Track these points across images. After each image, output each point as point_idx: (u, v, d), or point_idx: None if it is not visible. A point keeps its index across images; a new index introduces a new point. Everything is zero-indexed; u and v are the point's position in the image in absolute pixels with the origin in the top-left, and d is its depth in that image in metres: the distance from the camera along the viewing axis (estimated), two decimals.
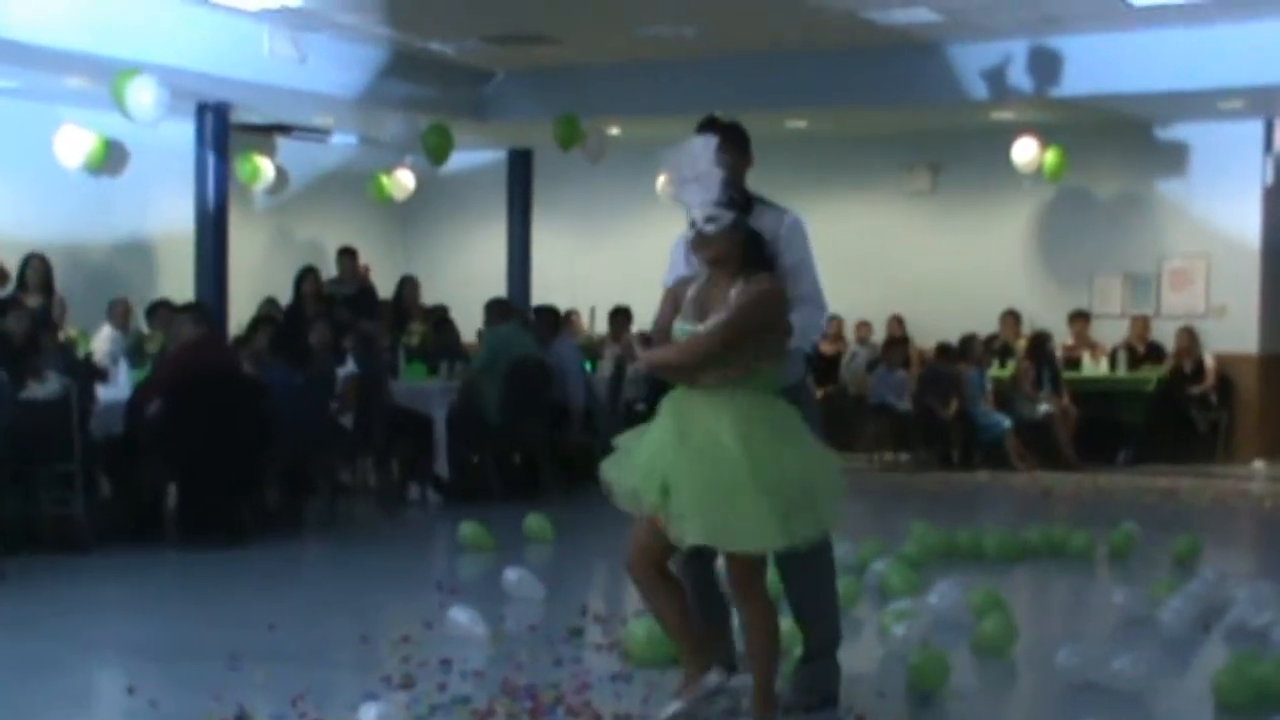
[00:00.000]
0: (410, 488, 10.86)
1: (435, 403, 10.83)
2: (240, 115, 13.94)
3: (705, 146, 4.51)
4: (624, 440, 4.56)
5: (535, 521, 8.96)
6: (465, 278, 16.92)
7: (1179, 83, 12.41)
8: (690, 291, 4.52)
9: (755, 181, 4.90)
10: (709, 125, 4.82)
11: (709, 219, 4.44)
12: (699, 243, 4.46)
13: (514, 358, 10.80)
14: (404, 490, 10.84)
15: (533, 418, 10.89)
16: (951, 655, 5.69)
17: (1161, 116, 14.31)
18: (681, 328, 4.46)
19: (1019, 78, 13.00)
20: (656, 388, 4.79)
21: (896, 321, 15.17)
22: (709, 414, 4.34)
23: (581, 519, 9.91)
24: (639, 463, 4.38)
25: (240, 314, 12.66)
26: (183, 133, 13.07)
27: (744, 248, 4.47)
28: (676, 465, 4.30)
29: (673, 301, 4.55)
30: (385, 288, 14.16)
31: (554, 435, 11.17)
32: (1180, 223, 14.58)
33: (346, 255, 13.14)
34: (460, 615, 6.13)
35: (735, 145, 4.83)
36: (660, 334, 4.51)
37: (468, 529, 8.71)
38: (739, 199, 4.54)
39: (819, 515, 4.36)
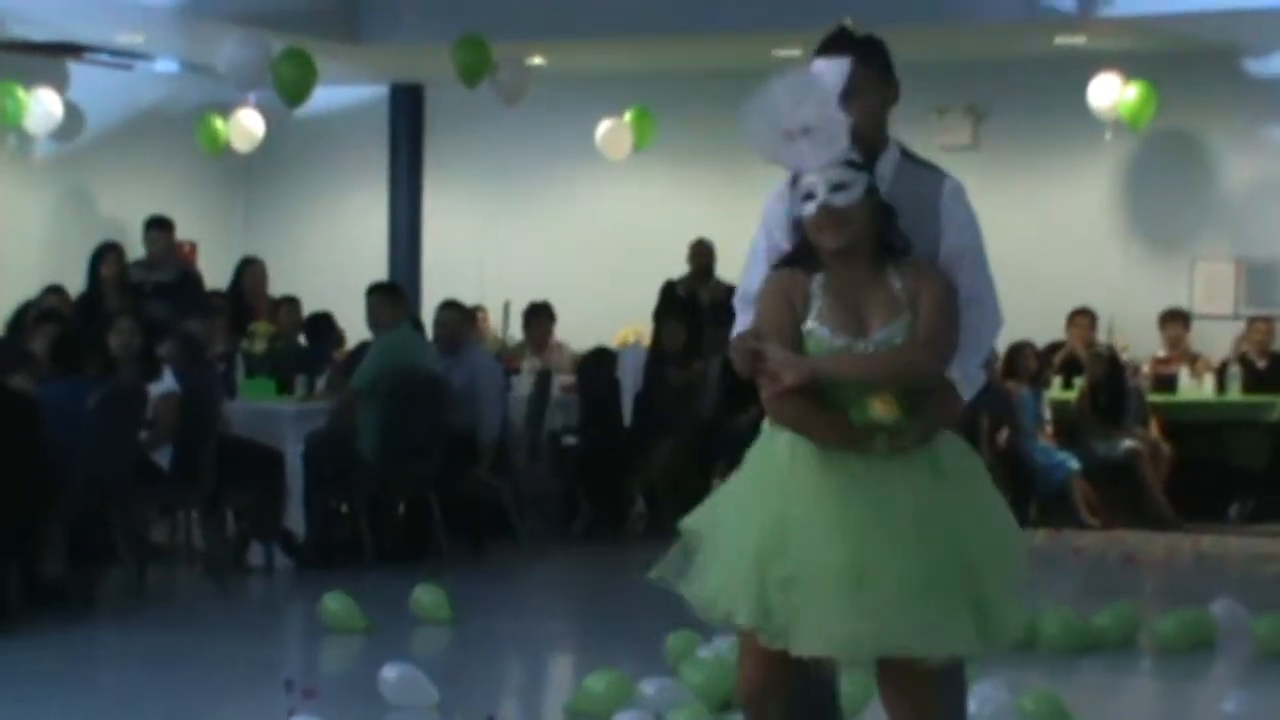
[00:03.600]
0: (252, 549, 10.78)
1: (289, 432, 10.76)
2: (11, 29, 13.78)
3: (826, 77, 4.38)
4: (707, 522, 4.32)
5: (426, 595, 8.90)
6: (330, 260, 16.79)
7: None
8: (815, 290, 4.30)
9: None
10: (837, 42, 4.63)
11: (837, 187, 4.27)
12: (830, 223, 4.27)
13: (401, 373, 10.75)
14: (242, 553, 10.76)
15: (423, 453, 10.84)
16: None
17: None
18: (830, 342, 4.25)
19: None
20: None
21: None
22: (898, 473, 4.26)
23: (488, 591, 9.81)
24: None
25: (7, 305, 12.50)
26: None
27: (881, 224, 4.35)
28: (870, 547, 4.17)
29: (788, 300, 4.31)
30: (218, 273, 14.02)
31: (453, 477, 11.12)
32: None
33: (158, 228, 13.01)
34: None
35: (875, 72, 4.66)
36: (780, 341, 4.31)
37: (332, 605, 8.63)
38: (859, 155, 4.39)
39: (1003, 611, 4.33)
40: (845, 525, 4.18)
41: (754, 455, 4.38)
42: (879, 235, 4.33)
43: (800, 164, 4.31)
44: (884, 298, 4.28)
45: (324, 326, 12.71)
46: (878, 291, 4.29)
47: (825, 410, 4.23)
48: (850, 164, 4.29)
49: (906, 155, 4.73)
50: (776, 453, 4.31)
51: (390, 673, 6.96)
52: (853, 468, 4.23)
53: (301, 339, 12.95)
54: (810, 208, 4.29)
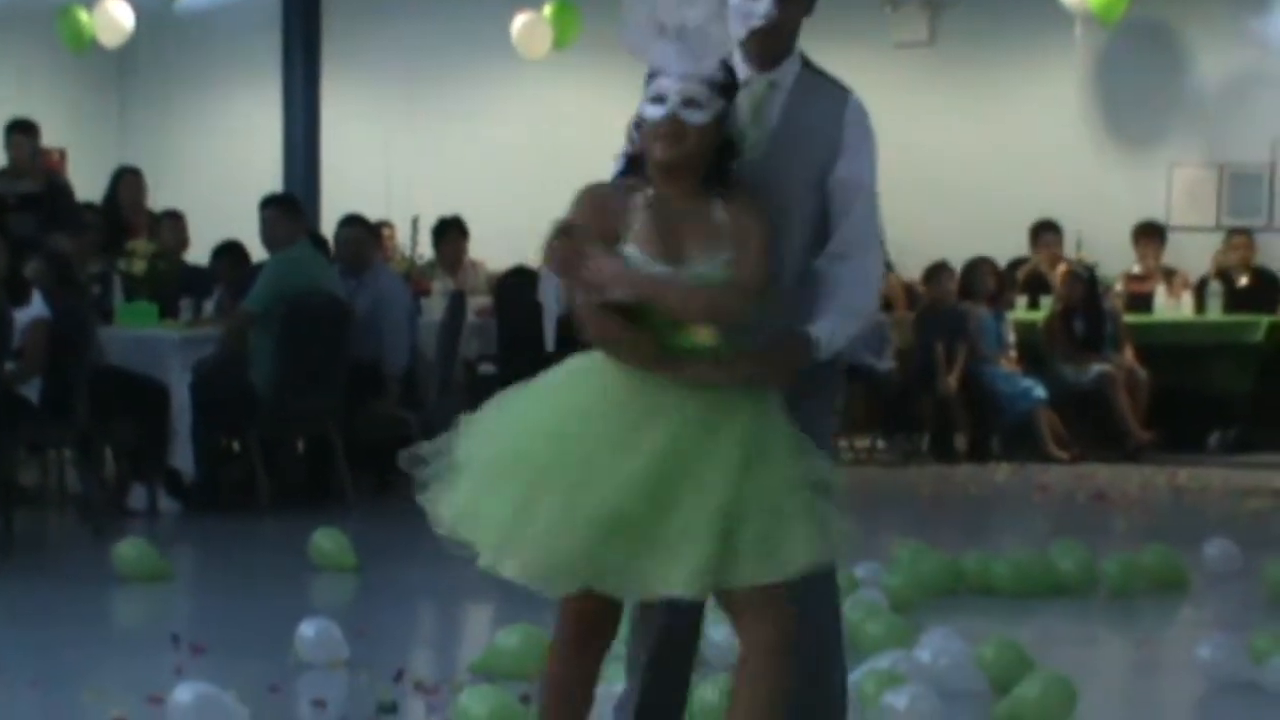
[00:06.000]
0: (133, 491, 10.79)
1: (173, 362, 10.76)
2: None
3: None
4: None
5: (327, 541, 8.94)
6: (216, 170, 16.73)
7: None
8: (635, 209, 4.46)
9: None
10: None
11: (690, 102, 4.43)
12: (668, 133, 4.44)
13: (298, 295, 10.74)
14: (122, 495, 10.77)
15: (323, 385, 10.87)
16: None
17: None
18: (648, 267, 4.40)
19: None
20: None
21: None
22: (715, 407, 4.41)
23: (396, 536, 9.84)
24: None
25: None
26: None
27: (717, 155, 4.51)
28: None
29: (602, 212, 4.49)
30: (90, 184, 13.93)
31: (356, 411, 11.14)
32: None
33: (21, 132, 12.91)
34: (194, 690, 6.03)
35: None
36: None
37: (127, 552, 8.64)
38: (728, 82, 4.53)
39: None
40: (641, 456, 4.35)
41: (565, 369, 4.53)
42: (709, 165, 4.48)
43: (663, 65, 4.44)
44: (705, 228, 4.45)
45: (235, 258, 12.43)
46: (699, 220, 4.45)
47: (635, 330, 4.41)
48: (712, 85, 4.45)
49: (808, 66, 4.84)
50: (591, 370, 4.48)
51: (308, 628, 6.99)
52: (667, 395, 4.40)
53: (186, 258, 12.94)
54: (656, 112, 4.44)
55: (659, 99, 4.43)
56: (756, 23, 4.68)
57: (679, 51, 4.42)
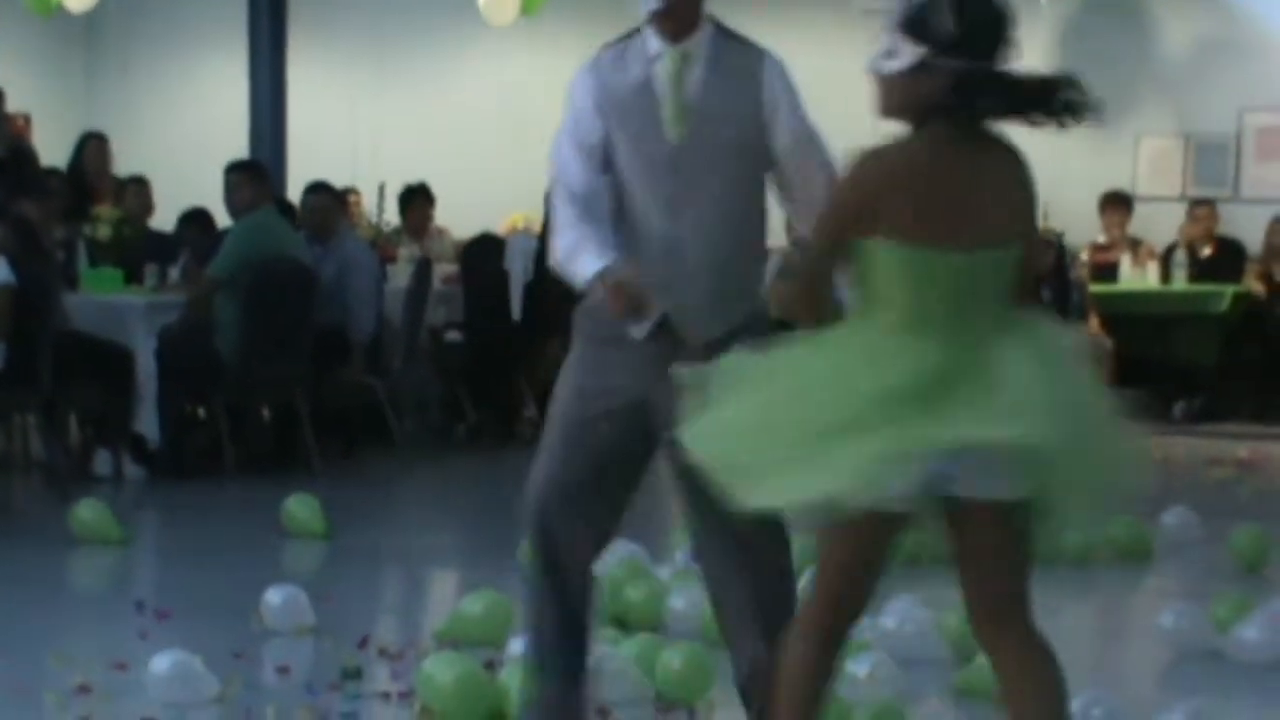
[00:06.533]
0: (98, 456, 10.80)
1: (139, 327, 10.77)
2: None
3: None
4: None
5: (300, 507, 8.97)
6: (182, 135, 16.68)
7: None
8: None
9: None
10: None
11: (889, 53, 4.44)
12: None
13: (264, 261, 10.74)
14: (87, 461, 10.78)
15: (289, 352, 10.86)
16: (927, 705, 5.77)
17: None
18: None
19: None
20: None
21: None
22: None
23: (362, 503, 9.84)
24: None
25: None
26: None
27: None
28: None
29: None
30: (55, 149, 13.91)
31: (322, 378, 11.14)
32: (1271, 60, 14.84)
33: None
34: (171, 658, 6.04)
35: None
36: None
37: (84, 514, 8.69)
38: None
39: None
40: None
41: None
42: None
43: None
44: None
45: (201, 224, 12.41)
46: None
47: None
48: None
49: (720, 30, 4.92)
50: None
51: (275, 595, 7.00)
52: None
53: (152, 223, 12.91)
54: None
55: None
56: None
57: None
